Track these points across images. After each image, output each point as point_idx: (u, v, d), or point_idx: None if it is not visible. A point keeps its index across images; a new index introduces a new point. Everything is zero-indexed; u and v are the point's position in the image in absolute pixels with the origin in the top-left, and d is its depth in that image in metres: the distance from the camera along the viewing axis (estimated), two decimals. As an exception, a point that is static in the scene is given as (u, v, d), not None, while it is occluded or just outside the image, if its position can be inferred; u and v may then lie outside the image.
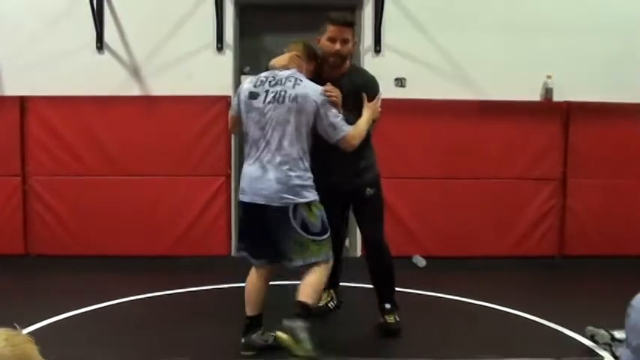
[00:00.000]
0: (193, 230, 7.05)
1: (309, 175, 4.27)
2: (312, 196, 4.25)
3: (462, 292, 5.72)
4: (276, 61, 4.47)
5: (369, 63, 6.94)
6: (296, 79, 4.30)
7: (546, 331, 4.89)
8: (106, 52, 7.13)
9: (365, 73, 4.84)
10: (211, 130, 7.01)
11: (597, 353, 4.40)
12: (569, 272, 6.92)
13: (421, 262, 6.88)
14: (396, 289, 4.94)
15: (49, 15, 7.00)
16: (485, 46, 7.13)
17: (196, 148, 7.01)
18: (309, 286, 4.22)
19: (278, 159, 4.20)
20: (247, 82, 4.46)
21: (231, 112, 4.58)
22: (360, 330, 4.84)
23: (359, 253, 7.22)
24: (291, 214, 4.18)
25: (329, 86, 4.32)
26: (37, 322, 4.77)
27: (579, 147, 7.14)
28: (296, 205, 4.18)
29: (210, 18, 7.05)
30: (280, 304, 4.37)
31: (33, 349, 1.83)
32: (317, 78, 4.46)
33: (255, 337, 4.37)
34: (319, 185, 4.37)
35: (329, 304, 5.18)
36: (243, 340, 4.35)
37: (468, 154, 7.10)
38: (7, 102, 7.01)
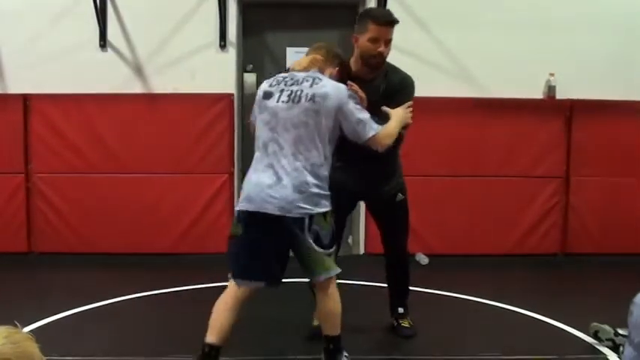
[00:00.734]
0: (196, 228, 7.05)
1: (327, 184, 3.85)
2: (328, 205, 3.84)
3: (464, 290, 5.72)
4: (295, 64, 4.10)
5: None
6: (314, 78, 3.88)
7: (549, 329, 4.88)
8: (109, 49, 7.13)
9: (400, 71, 4.51)
10: (214, 128, 7.01)
11: (600, 351, 4.40)
12: (572, 270, 6.92)
13: (424, 259, 6.88)
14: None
15: (52, 13, 7.00)
16: (488, 43, 7.12)
17: (199, 146, 7.01)
18: (330, 316, 3.93)
19: (295, 164, 3.76)
20: (264, 83, 4.04)
21: (251, 118, 4.11)
22: (364, 328, 4.83)
23: (362, 250, 7.23)
24: (306, 227, 3.75)
25: (351, 84, 3.97)
26: (39, 320, 4.78)
27: (582, 145, 7.13)
28: (312, 217, 3.76)
29: (213, 16, 7.05)
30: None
31: (33, 347, 1.83)
32: (350, 79, 4.11)
33: None
34: (339, 188, 4.21)
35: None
36: None
37: (471, 152, 7.10)
38: (10, 100, 7.01)
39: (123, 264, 6.66)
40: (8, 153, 7.00)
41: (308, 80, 3.87)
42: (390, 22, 4.25)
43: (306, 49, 4.24)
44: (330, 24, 7.38)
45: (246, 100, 7.28)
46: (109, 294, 5.54)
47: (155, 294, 5.72)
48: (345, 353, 3.98)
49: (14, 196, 7.03)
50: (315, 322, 4.46)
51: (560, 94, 7.18)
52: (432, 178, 7.02)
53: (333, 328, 3.93)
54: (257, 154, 3.89)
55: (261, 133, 3.88)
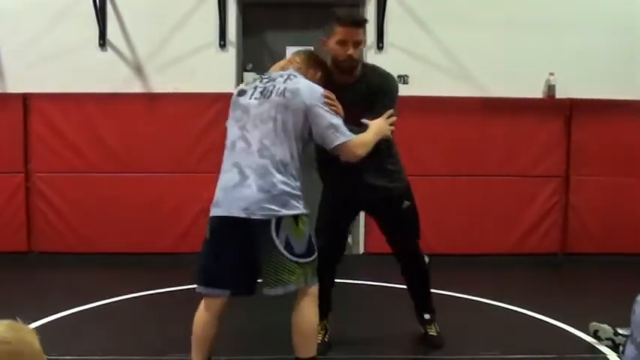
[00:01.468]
0: (195, 227, 7.03)
1: (298, 183, 3.57)
2: (300, 208, 3.53)
3: (464, 290, 5.72)
4: (274, 67, 3.98)
5: (372, 60, 6.91)
6: (290, 75, 3.69)
7: (548, 328, 4.88)
8: (108, 49, 7.14)
9: (379, 70, 4.22)
10: (214, 128, 6.98)
11: (599, 350, 4.40)
12: (572, 270, 6.93)
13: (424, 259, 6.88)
14: (398, 285, 4.93)
15: (52, 12, 7.00)
16: (488, 43, 7.13)
17: (199, 146, 7.01)
18: (306, 337, 3.63)
19: (260, 162, 3.49)
20: (241, 84, 3.90)
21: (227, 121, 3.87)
22: (363, 327, 4.83)
23: (361, 249, 7.23)
24: (273, 230, 3.45)
25: (329, 93, 3.66)
26: (39, 319, 4.78)
27: (582, 144, 7.13)
28: (280, 219, 3.45)
29: (212, 15, 7.05)
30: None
31: (34, 338, 1.85)
32: (329, 85, 3.84)
33: None
34: (339, 194, 4.20)
35: (325, 338, 4.46)
36: None
37: (471, 152, 7.10)
38: (10, 99, 7.01)
39: (122, 263, 6.67)
40: (8, 152, 7.00)
41: (282, 76, 3.68)
42: (357, 22, 3.99)
43: (305, 48, 4.17)
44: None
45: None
46: (109, 293, 5.54)
47: (154, 293, 5.72)
48: None
49: (14, 195, 7.03)
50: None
51: (560, 94, 7.18)
52: (431, 177, 7.02)
53: (306, 349, 3.64)
54: (225, 154, 3.68)
55: (231, 130, 3.68)
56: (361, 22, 4.03)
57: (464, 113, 7.08)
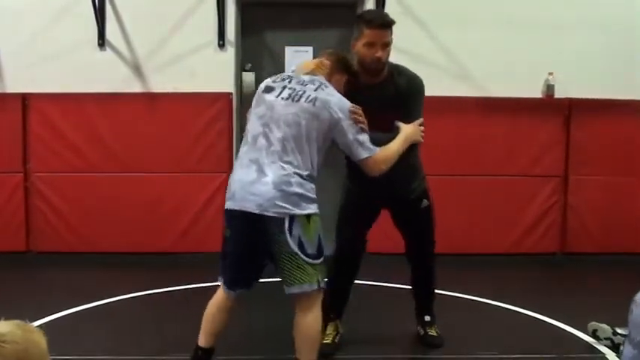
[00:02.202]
0: (195, 227, 7.05)
1: (313, 186, 3.62)
2: (312, 208, 3.59)
3: (463, 289, 5.72)
4: (302, 66, 3.94)
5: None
6: (321, 83, 3.72)
7: (547, 328, 4.89)
8: (107, 49, 7.13)
9: (407, 72, 4.23)
10: (213, 127, 7.01)
11: (598, 350, 4.40)
12: (571, 269, 6.93)
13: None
14: (398, 285, 4.93)
15: (51, 12, 6.99)
16: (486, 42, 7.13)
17: (198, 145, 7.01)
18: (310, 341, 3.66)
19: (279, 163, 3.54)
20: (268, 79, 3.88)
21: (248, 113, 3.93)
22: (363, 327, 4.82)
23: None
24: (287, 229, 3.50)
25: (356, 108, 3.70)
26: (38, 319, 4.76)
27: (581, 144, 7.13)
28: (292, 218, 3.51)
29: (211, 15, 7.05)
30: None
31: (42, 339, 1.88)
32: (354, 88, 3.96)
33: None
34: (362, 192, 4.23)
35: (335, 339, 4.49)
36: None
37: (470, 151, 7.10)
38: (9, 99, 7.01)
39: (122, 263, 6.67)
40: (7, 152, 6.99)
41: (314, 83, 3.71)
42: (385, 24, 4.00)
43: (304, 48, 4.20)
44: (329, 23, 7.38)
45: (245, 99, 7.27)
46: (108, 293, 5.54)
47: (154, 293, 5.72)
48: None
49: (13, 195, 7.02)
50: (328, 340, 4.41)
51: (559, 93, 7.18)
52: (430, 177, 6.97)
53: (308, 352, 3.66)
54: (244, 148, 3.72)
55: (253, 126, 3.71)
56: (389, 24, 4.02)
57: (462, 113, 7.08)
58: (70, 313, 5.09)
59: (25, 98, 6.98)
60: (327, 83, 3.76)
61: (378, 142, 3.79)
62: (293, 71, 3.91)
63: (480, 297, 5.60)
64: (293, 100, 3.63)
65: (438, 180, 7.02)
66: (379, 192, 4.24)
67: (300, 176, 3.55)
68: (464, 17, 7.14)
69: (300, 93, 3.65)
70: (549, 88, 7.20)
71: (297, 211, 3.51)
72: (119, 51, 7.14)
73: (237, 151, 7.08)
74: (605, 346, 4.42)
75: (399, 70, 4.20)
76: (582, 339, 4.60)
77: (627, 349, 2.54)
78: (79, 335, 4.68)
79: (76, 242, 7.01)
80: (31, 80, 6.95)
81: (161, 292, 5.77)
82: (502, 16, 7.14)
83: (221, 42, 7.12)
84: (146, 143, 7.01)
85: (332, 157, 3.89)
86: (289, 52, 7.26)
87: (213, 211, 7.02)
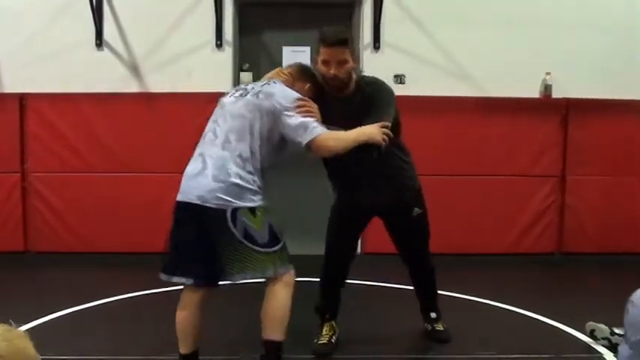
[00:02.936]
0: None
1: (256, 179, 3.59)
2: (256, 200, 3.57)
3: (460, 289, 5.72)
4: (264, 77, 4.04)
5: (368, 60, 6.95)
6: (271, 81, 3.82)
7: (545, 328, 4.89)
8: (105, 49, 7.13)
9: (377, 82, 4.13)
10: (211, 127, 7.01)
11: (596, 350, 4.40)
12: (568, 269, 6.94)
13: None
14: (395, 286, 4.93)
15: (49, 12, 7.00)
16: (484, 42, 7.14)
17: (195, 145, 6.99)
18: (274, 319, 3.66)
19: (220, 153, 3.62)
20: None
21: None
22: (361, 327, 4.82)
23: (359, 249, 7.21)
24: (229, 220, 3.51)
25: (305, 99, 3.70)
26: (36, 319, 4.78)
27: (578, 144, 7.14)
28: (235, 210, 3.51)
29: (209, 15, 7.05)
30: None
31: (28, 344, 1.83)
32: (323, 97, 3.91)
33: None
34: (348, 201, 4.22)
35: (332, 340, 4.45)
36: None
37: (467, 151, 7.11)
38: (7, 99, 7.01)
39: (120, 263, 6.66)
40: (4, 152, 7.00)
41: (263, 81, 3.87)
42: (337, 42, 3.87)
43: (302, 48, 4.21)
44: (327, 23, 7.28)
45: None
46: (106, 293, 5.54)
47: (152, 293, 5.71)
48: None
49: (10, 195, 7.03)
50: (324, 340, 4.42)
51: (557, 93, 7.19)
52: (428, 177, 6.94)
53: (272, 331, 3.68)
54: (197, 146, 3.86)
55: (208, 124, 3.87)
56: (342, 42, 3.91)
57: (460, 113, 7.09)
58: (68, 313, 5.09)
59: (22, 98, 6.98)
60: (280, 82, 3.81)
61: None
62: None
63: (478, 297, 5.60)
64: (241, 96, 3.75)
65: (435, 180, 7.06)
66: (367, 201, 4.25)
67: (241, 167, 3.57)
68: (461, 17, 7.16)
69: (249, 89, 3.77)
70: (547, 88, 7.21)
71: (239, 204, 3.53)
72: (117, 51, 7.14)
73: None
74: (602, 346, 4.41)
75: (368, 82, 4.11)
76: (580, 339, 4.60)
77: (623, 349, 2.54)
78: (77, 335, 4.67)
79: (74, 242, 7.01)
80: (29, 80, 6.96)
81: (159, 292, 5.76)
82: (500, 16, 7.16)
83: (219, 42, 7.13)
84: (144, 143, 7.01)
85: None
86: (287, 52, 7.26)
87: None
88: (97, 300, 5.38)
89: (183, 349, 3.80)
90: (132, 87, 7.16)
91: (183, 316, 3.79)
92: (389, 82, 4.48)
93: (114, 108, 7.03)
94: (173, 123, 7.01)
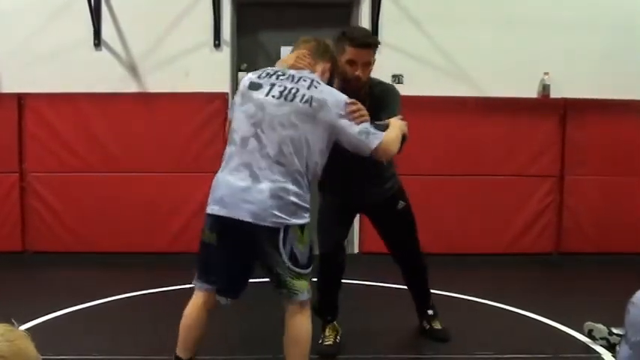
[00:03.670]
0: (191, 227, 7.02)
1: (308, 195, 3.47)
2: (306, 217, 3.44)
3: (458, 289, 5.72)
4: (282, 61, 3.75)
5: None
6: (312, 80, 3.50)
7: (543, 328, 4.89)
8: (103, 49, 7.13)
9: (383, 83, 4.28)
10: (209, 127, 7.01)
11: (594, 350, 4.40)
12: (566, 269, 6.95)
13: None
14: (393, 285, 4.92)
15: (47, 12, 6.99)
16: (482, 42, 7.14)
17: (193, 145, 7.01)
18: (297, 345, 3.51)
19: (275, 168, 3.35)
20: (251, 74, 3.63)
21: (229, 115, 3.71)
22: (360, 328, 4.81)
23: (356, 249, 7.23)
24: (281, 240, 3.35)
25: (351, 100, 3.56)
26: (34, 319, 4.77)
27: (576, 144, 7.14)
28: (287, 228, 3.35)
29: (207, 15, 7.05)
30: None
31: (29, 345, 1.84)
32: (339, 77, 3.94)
33: None
34: (336, 199, 4.25)
35: (336, 340, 4.48)
36: None
37: (465, 151, 7.11)
38: (5, 99, 7.00)
39: (118, 263, 6.66)
40: (3, 152, 6.99)
41: (305, 80, 3.48)
42: (368, 44, 4.00)
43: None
44: (325, 23, 7.37)
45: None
46: (105, 293, 5.53)
47: (150, 293, 5.71)
48: None
49: (8, 195, 7.02)
50: (329, 341, 4.44)
51: (555, 93, 7.20)
52: (426, 177, 7.02)
53: (297, 358, 3.51)
54: (231, 149, 3.48)
55: (241, 125, 3.46)
56: (373, 44, 4.04)
57: (458, 113, 7.09)
58: (67, 313, 5.08)
59: (20, 98, 6.98)
60: (319, 79, 3.56)
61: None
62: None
63: (476, 297, 5.60)
64: (286, 99, 3.42)
65: (433, 180, 7.10)
66: (351, 198, 4.30)
67: (298, 184, 3.39)
68: (459, 17, 7.16)
69: (294, 92, 3.43)
70: (545, 88, 7.21)
71: (292, 221, 3.36)
72: (115, 51, 7.14)
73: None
74: (600, 346, 4.42)
75: (375, 83, 4.19)
76: (578, 339, 4.60)
77: (623, 349, 2.54)
78: (75, 335, 4.66)
79: (72, 242, 7.01)
80: (27, 80, 6.95)
81: (157, 292, 5.76)
82: (497, 16, 7.16)
83: (217, 42, 7.13)
84: (142, 143, 7.01)
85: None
86: (285, 52, 7.23)
87: (209, 211, 7.02)
88: (95, 300, 5.38)
89: (183, 352, 3.65)
90: (130, 87, 7.16)
91: (196, 317, 3.62)
92: (387, 82, 4.49)
93: (112, 108, 7.03)
94: (171, 123, 7.02)
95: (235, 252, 3.49)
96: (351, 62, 3.94)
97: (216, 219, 3.48)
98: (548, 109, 7.20)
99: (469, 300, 5.57)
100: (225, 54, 7.19)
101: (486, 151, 7.15)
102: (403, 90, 6.66)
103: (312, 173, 3.48)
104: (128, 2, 7.08)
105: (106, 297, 5.48)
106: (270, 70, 3.60)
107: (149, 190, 7.04)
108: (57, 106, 7.00)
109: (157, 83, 7.11)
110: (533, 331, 4.84)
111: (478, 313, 5.32)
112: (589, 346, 4.45)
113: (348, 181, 4.21)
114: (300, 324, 3.50)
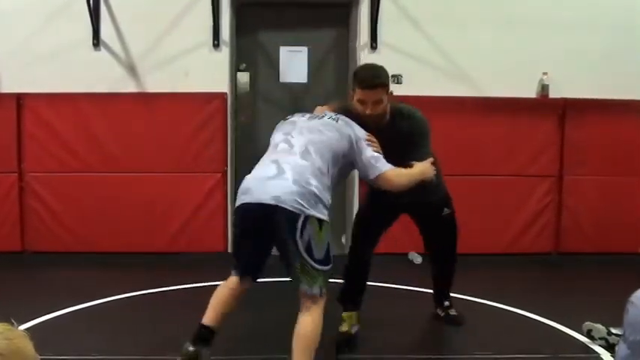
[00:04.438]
0: (190, 227, 7.05)
1: (328, 195, 3.69)
2: (325, 214, 3.62)
3: (457, 289, 5.71)
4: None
5: (365, 60, 6.94)
6: (337, 114, 4.08)
7: (542, 328, 4.89)
8: (102, 49, 7.12)
9: (407, 113, 4.42)
10: (208, 127, 7.01)
11: (593, 350, 4.41)
12: (565, 269, 6.95)
13: (417, 259, 6.86)
14: (392, 285, 4.94)
15: (46, 12, 6.98)
16: (481, 42, 7.14)
17: (193, 145, 7.01)
18: (305, 341, 3.57)
19: (300, 162, 3.66)
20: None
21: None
22: (361, 327, 4.82)
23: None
24: (299, 227, 3.50)
25: (370, 136, 3.99)
26: (33, 319, 4.77)
27: (576, 144, 7.14)
28: (307, 218, 3.51)
29: (206, 15, 7.04)
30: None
31: (28, 344, 1.84)
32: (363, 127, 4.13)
33: (205, 353, 3.79)
34: (382, 197, 4.32)
35: (352, 329, 4.63)
36: (191, 348, 3.77)
37: (464, 151, 7.09)
38: (4, 99, 6.99)
39: (118, 263, 6.65)
40: (1, 152, 6.97)
41: (330, 114, 4.05)
42: (374, 85, 4.16)
43: (299, 48, 4.30)
44: (324, 23, 7.39)
45: (240, 99, 7.30)
46: (104, 293, 5.53)
47: (149, 293, 5.71)
48: None
49: (7, 195, 7.01)
50: (344, 328, 4.57)
51: (554, 93, 7.20)
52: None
53: (299, 353, 3.55)
54: (266, 154, 3.90)
55: (275, 138, 3.94)
56: (379, 85, 4.18)
57: (457, 113, 7.08)
58: (66, 313, 5.08)
59: (19, 98, 6.97)
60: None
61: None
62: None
63: (475, 297, 5.61)
64: (316, 118, 3.99)
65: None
66: (400, 196, 4.30)
67: (319, 179, 3.64)
68: (458, 17, 7.15)
69: (322, 115, 4.02)
70: (544, 88, 7.21)
71: (312, 212, 3.54)
72: (114, 51, 7.13)
73: (232, 151, 7.18)
74: (599, 346, 4.42)
75: (401, 113, 4.37)
76: (577, 339, 4.61)
77: (621, 348, 2.54)
78: (75, 335, 4.67)
79: (71, 242, 7.00)
80: (26, 80, 6.94)
81: (157, 292, 5.77)
82: (496, 16, 7.16)
83: (216, 42, 7.12)
84: (141, 143, 7.01)
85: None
86: (284, 52, 7.27)
87: (208, 211, 7.03)
88: (95, 300, 5.38)
89: (210, 320, 3.82)
90: (129, 87, 7.15)
91: (226, 292, 3.86)
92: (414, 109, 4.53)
93: (111, 108, 7.02)
94: (170, 123, 7.01)
95: (257, 234, 3.70)
96: (361, 102, 4.15)
97: (243, 207, 3.69)
98: (547, 109, 7.20)
99: (468, 300, 5.57)
100: (224, 54, 7.18)
101: (486, 151, 7.15)
102: (402, 90, 6.76)
103: (330, 177, 3.77)
104: (127, 2, 7.08)
105: (106, 297, 5.48)
106: (300, 113, 4.14)
107: (149, 190, 7.04)
108: (56, 106, 7.00)
109: (157, 83, 7.10)
110: (533, 331, 4.85)
111: (477, 313, 5.32)
112: (588, 346, 4.46)
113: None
114: (309, 320, 3.60)
